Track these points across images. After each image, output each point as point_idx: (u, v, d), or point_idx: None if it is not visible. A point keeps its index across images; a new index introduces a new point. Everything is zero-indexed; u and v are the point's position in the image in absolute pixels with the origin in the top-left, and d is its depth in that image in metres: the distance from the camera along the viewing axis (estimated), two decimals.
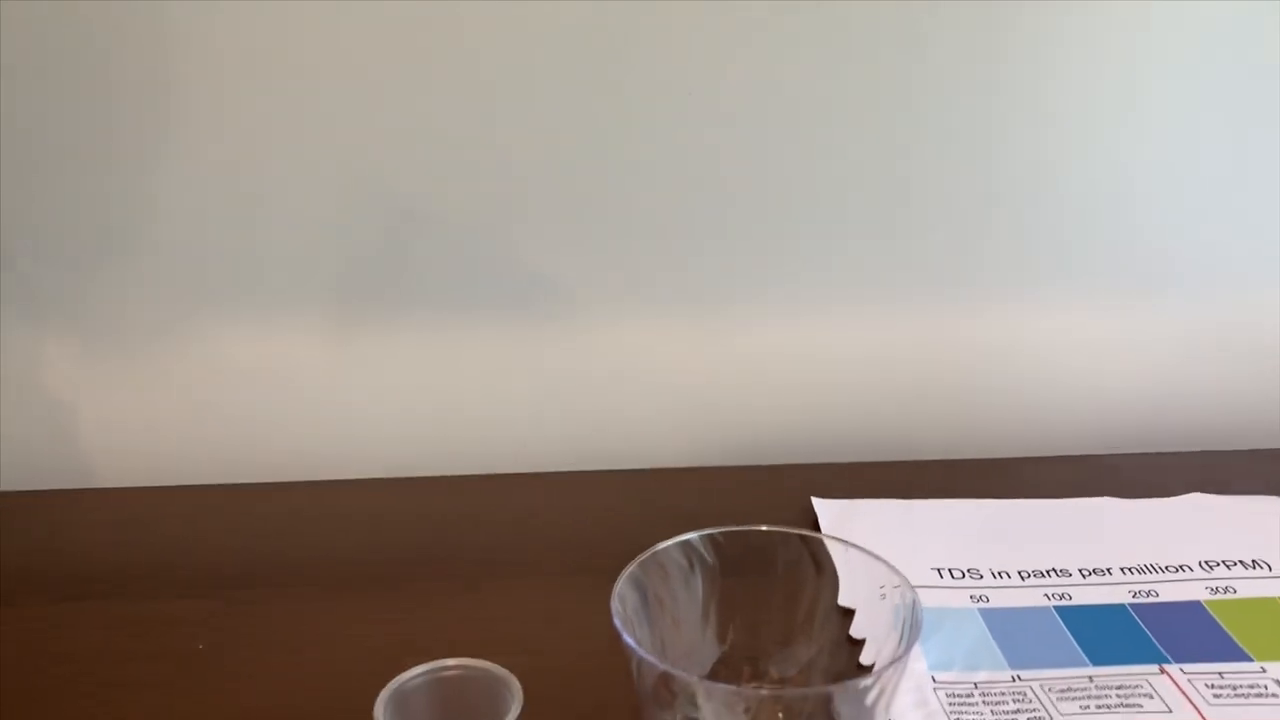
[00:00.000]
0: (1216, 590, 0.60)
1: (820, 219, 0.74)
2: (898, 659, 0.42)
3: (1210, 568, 0.62)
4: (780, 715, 0.44)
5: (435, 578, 0.63)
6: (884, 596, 0.48)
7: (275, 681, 0.55)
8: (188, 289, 0.73)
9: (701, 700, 0.43)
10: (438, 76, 0.69)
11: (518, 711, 0.46)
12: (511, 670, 0.48)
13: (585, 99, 0.70)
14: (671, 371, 0.77)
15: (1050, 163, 0.73)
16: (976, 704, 0.52)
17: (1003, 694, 0.52)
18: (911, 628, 0.44)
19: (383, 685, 0.47)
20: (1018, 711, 0.51)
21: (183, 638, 0.58)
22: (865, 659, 0.49)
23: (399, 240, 0.73)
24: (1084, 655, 0.55)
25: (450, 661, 0.49)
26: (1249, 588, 0.60)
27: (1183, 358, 0.78)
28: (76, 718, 0.52)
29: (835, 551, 0.50)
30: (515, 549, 0.66)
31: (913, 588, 0.46)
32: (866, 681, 0.42)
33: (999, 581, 0.61)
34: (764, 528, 0.50)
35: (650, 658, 0.42)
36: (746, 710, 0.44)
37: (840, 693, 0.43)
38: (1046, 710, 0.51)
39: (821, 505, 0.68)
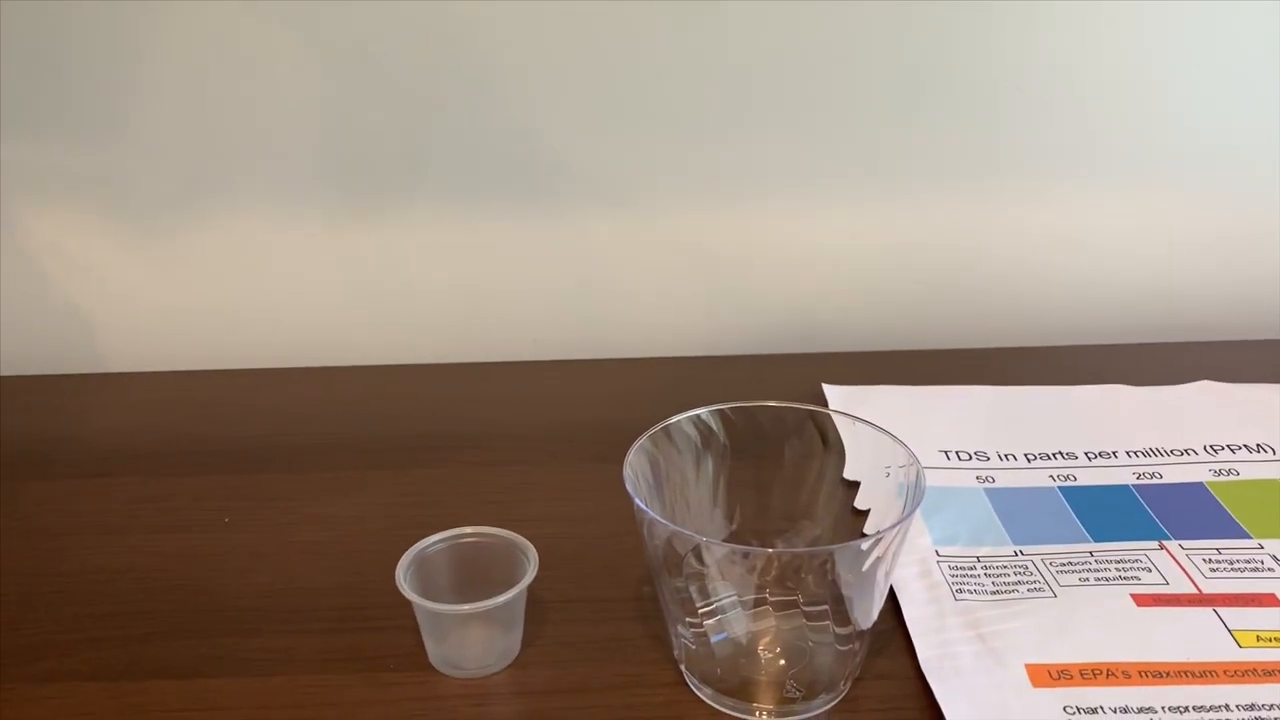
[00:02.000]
0: (1220, 472, 0.61)
1: (834, 110, 0.74)
2: (899, 522, 0.44)
3: (1215, 451, 0.62)
4: (782, 576, 0.45)
5: (454, 460, 0.65)
6: (889, 475, 0.49)
7: (301, 551, 0.57)
8: (199, 176, 0.74)
9: (707, 560, 0.45)
10: None
11: (533, 575, 0.48)
12: (529, 540, 0.50)
13: None
14: (686, 260, 0.78)
15: (1066, 54, 0.73)
16: (979, 575, 0.53)
17: (1004, 567, 0.54)
18: (914, 494, 0.45)
19: (403, 554, 0.49)
20: (1019, 583, 0.53)
21: (209, 511, 0.60)
22: (868, 530, 0.50)
23: (411, 126, 0.73)
24: (1086, 532, 0.56)
25: (469, 529, 0.51)
26: (1252, 470, 0.61)
27: (1199, 249, 0.78)
28: (106, 583, 0.55)
29: (843, 426, 0.51)
30: (532, 434, 0.67)
31: (917, 459, 0.47)
32: (867, 544, 0.43)
33: (1005, 463, 0.62)
34: (773, 403, 0.51)
35: (660, 518, 0.44)
36: (750, 570, 0.45)
37: (841, 553, 0.45)
38: (1046, 582, 0.52)
39: (832, 391, 0.69)
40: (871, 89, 0.73)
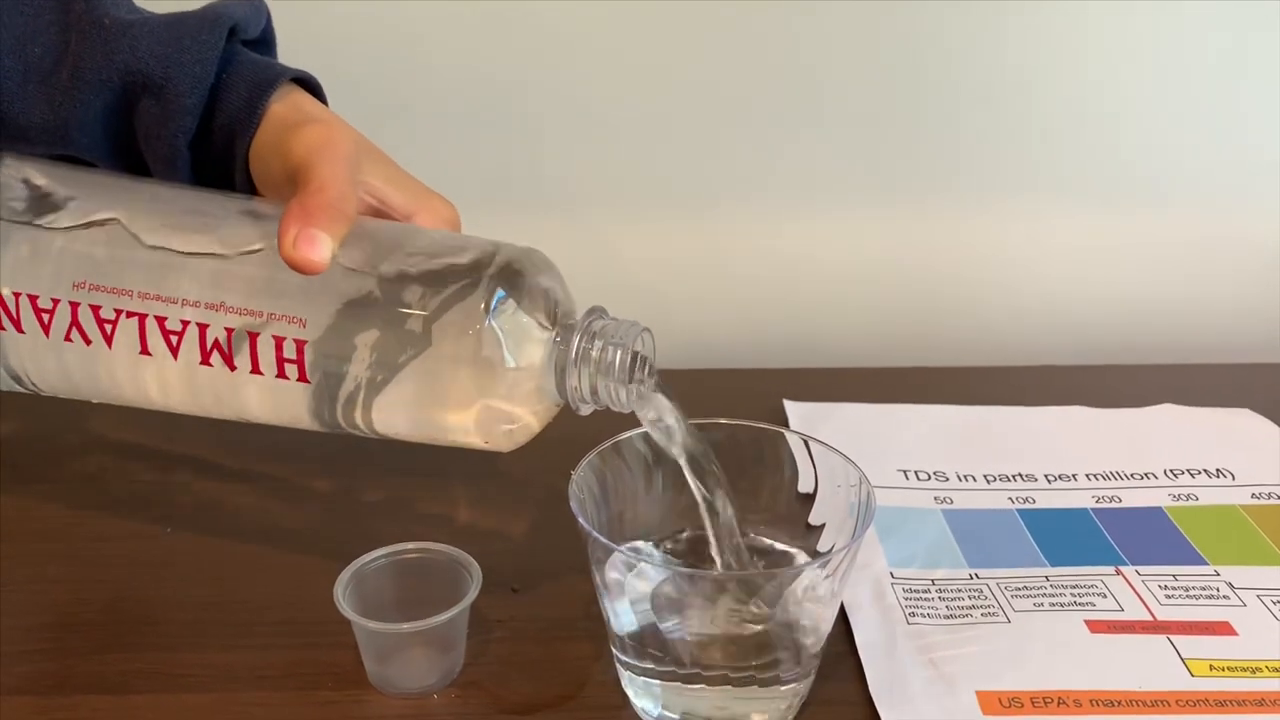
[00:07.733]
0: (1179, 497, 0.60)
1: (800, 127, 0.73)
2: (848, 545, 0.43)
3: (1175, 476, 0.62)
4: (728, 599, 0.44)
5: (401, 472, 0.63)
6: (842, 493, 0.48)
7: (241, 563, 0.56)
8: None
9: (651, 581, 0.44)
10: None
11: (476, 593, 0.47)
12: (473, 557, 0.49)
13: None
14: (648, 273, 0.77)
15: (1032, 72, 0.72)
16: (933, 599, 0.52)
17: (959, 590, 0.53)
18: (864, 518, 0.44)
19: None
20: (973, 607, 0.52)
21: (150, 521, 0.58)
22: (822, 546, 0.50)
23: None
24: (1043, 556, 0.56)
25: (410, 545, 0.50)
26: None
27: (1163, 270, 0.78)
28: (41, 594, 0.53)
29: (795, 446, 0.50)
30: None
31: (866, 478, 0.46)
32: (813, 566, 0.42)
33: (964, 484, 0.61)
34: (725, 420, 0.50)
35: (602, 537, 0.43)
36: (695, 592, 0.44)
37: (787, 576, 0.44)
38: (1001, 606, 0.52)
39: (792, 407, 0.68)
40: (836, 106, 0.73)
